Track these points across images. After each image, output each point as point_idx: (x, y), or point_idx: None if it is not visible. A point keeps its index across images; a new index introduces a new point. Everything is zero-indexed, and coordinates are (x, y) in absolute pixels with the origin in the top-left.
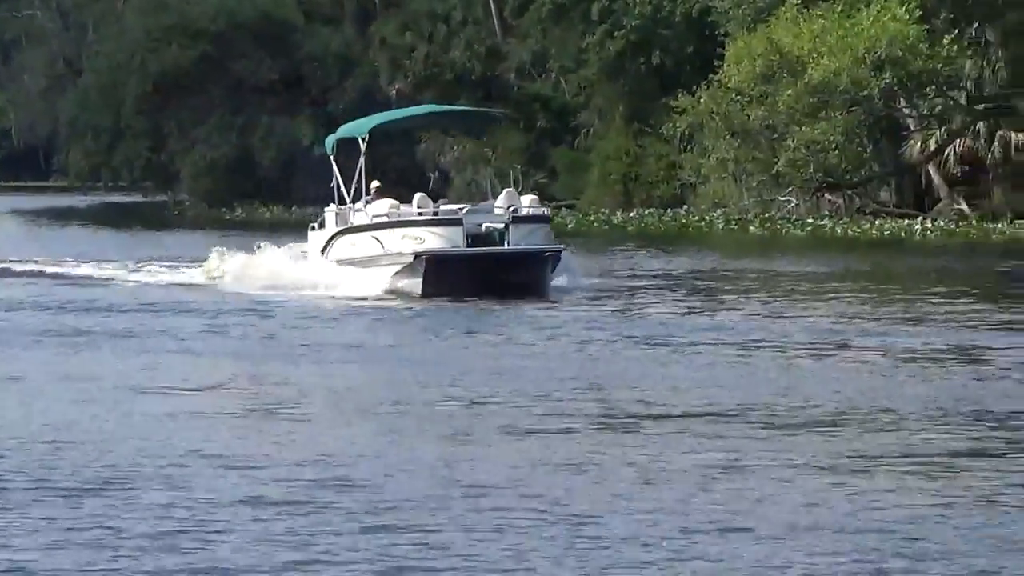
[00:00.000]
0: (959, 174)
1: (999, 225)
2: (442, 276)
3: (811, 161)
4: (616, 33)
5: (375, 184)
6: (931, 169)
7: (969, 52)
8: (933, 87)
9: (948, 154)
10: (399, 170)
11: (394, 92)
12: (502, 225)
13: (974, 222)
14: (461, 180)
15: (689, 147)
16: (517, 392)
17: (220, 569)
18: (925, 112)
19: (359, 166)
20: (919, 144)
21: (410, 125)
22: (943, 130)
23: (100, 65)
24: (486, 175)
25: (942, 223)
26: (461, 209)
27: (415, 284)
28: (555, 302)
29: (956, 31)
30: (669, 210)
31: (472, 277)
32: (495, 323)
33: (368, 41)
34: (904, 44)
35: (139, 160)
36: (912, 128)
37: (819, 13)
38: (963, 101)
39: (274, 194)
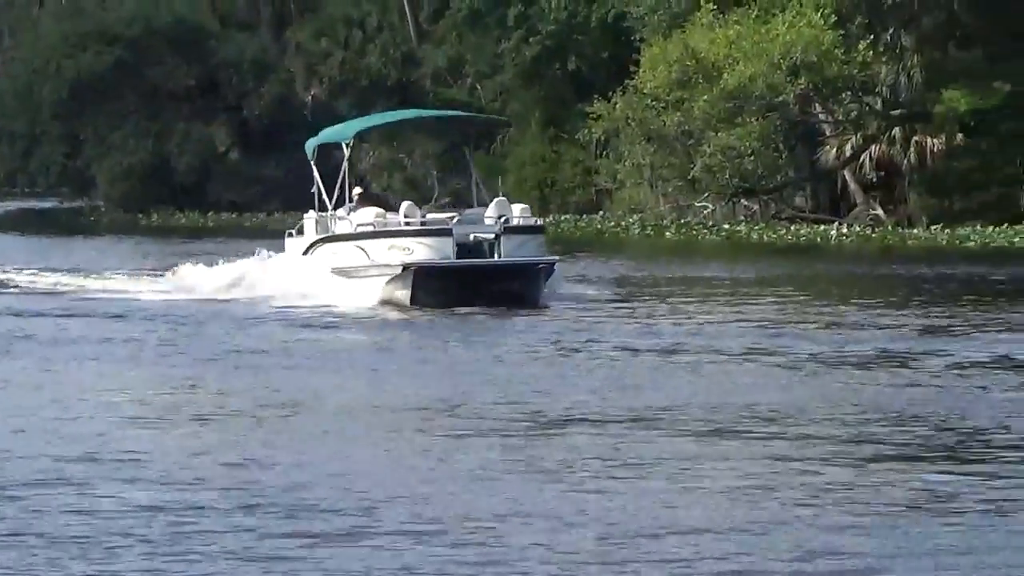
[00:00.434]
0: (874, 179)
1: (914, 230)
2: (431, 288)
3: (727, 167)
4: (532, 39)
5: (357, 191)
6: (847, 175)
7: (884, 57)
8: (848, 92)
9: (863, 160)
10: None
11: (310, 98)
12: (492, 236)
13: (889, 227)
14: (378, 186)
15: (605, 153)
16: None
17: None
18: (840, 118)
19: (342, 172)
20: (834, 150)
21: (395, 129)
22: (858, 136)
23: (16, 71)
24: (472, 182)
25: (857, 228)
26: (451, 219)
27: (404, 296)
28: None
29: (871, 36)
30: (585, 216)
31: (462, 289)
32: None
33: (284, 47)
34: (819, 50)
35: (55, 166)
36: (827, 134)
37: (734, 19)
38: (878, 106)
39: (190, 200)
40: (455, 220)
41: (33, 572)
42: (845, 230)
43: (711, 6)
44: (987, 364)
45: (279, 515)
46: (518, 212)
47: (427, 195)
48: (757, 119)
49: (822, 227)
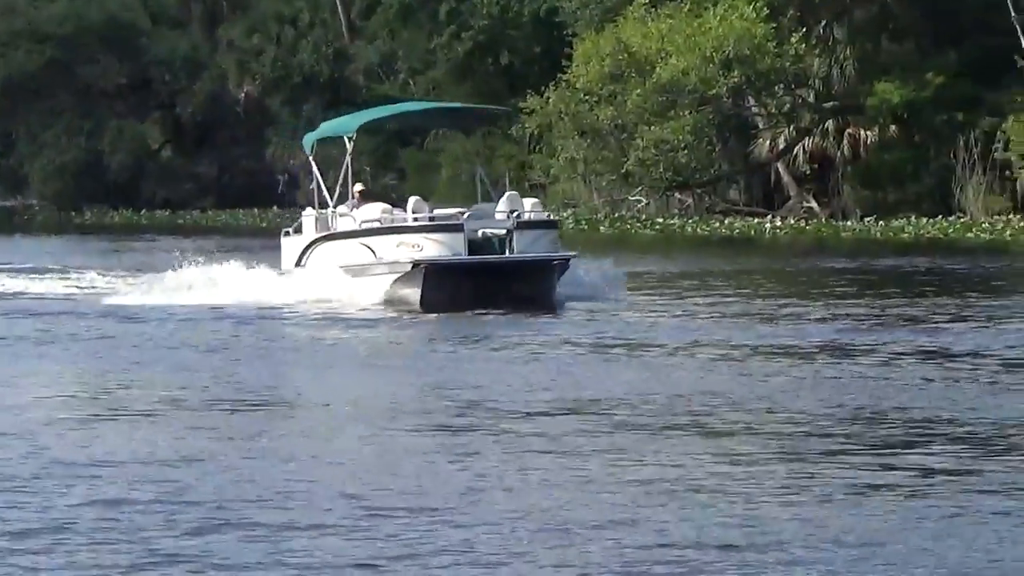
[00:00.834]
0: (808, 172)
1: (848, 223)
2: (443, 286)
3: (660, 160)
4: (464, 34)
5: (358, 187)
6: (780, 167)
7: (817, 50)
8: (781, 85)
9: (797, 152)
10: (248, 173)
11: (243, 95)
12: (503, 231)
13: (823, 220)
14: (311, 182)
15: (538, 147)
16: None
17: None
18: (774, 111)
19: (344, 167)
20: (768, 143)
21: (400, 123)
22: (792, 128)
23: None
24: (479, 176)
25: (791, 221)
26: (462, 214)
27: (413, 294)
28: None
29: (804, 29)
30: None
31: (475, 287)
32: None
33: (216, 44)
34: (752, 43)
35: None
36: (761, 127)
37: (667, 12)
38: (811, 99)
39: (123, 197)
40: (465, 216)
41: None
42: (779, 223)
43: (643, 0)
44: (920, 355)
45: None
46: (529, 206)
47: None
48: (690, 113)
49: (756, 220)
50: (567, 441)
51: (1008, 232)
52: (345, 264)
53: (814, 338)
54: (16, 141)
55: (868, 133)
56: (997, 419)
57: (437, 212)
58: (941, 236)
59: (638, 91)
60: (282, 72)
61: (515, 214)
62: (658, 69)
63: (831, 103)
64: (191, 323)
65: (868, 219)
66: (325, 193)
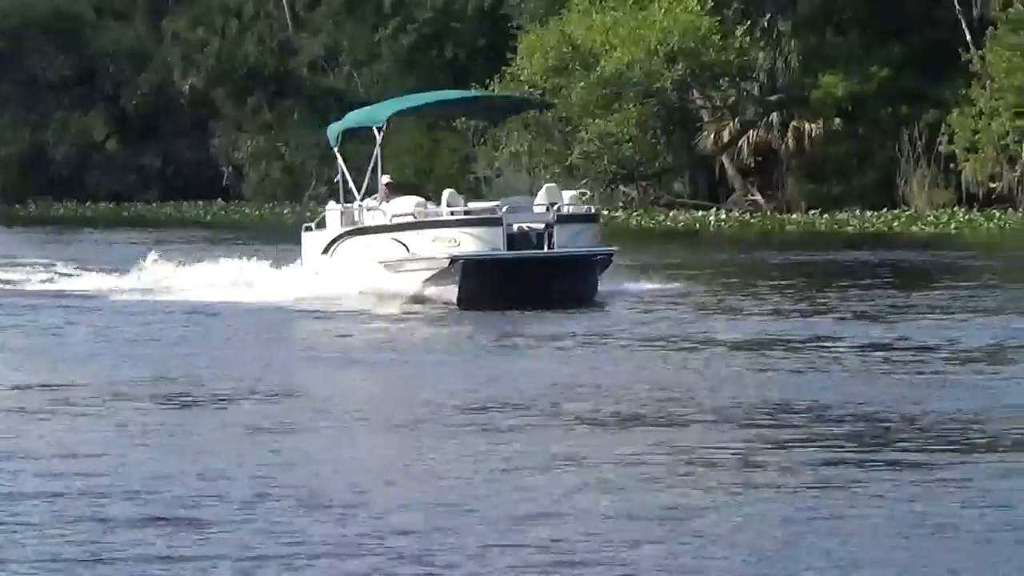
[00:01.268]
0: (752, 165)
1: (793, 215)
2: (481, 283)
3: (605, 153)
4: (409, 26)
5: (386, 179)
6: (725, 160)
7: (761, 43)
8: (726, 78)
9: (742, 145)
10: (193, 165)
11: (187, 87)
12: (542, 225)
13: (768, 213)
14: (256, 175)
15: (483, 141)
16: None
17: None
18: (718, 103)
19: (373, 159)
20: (712, 136)
21: (431, 111)
22: (736, 121)
23: None
24: (521, 170)
25: (736, 214)
26: (500, 207)
27: (449, 291)
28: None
29: (748, 22)
30: None
31: (514, 283)
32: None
33: (161, 36)
34: (696, 36)
35: None
36: (705, 120)
37: (611, 5)
38: (756, 92)
39: (68, 190)
40: (505, 209)
41: None
42: (723, 216)
43: None
44: (861, 348)
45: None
46: (568, 199)
47: (305, 184)
48: (634, 106)
49: (700, 213)
50: (504, 433)
51: (952, 225)
52: (376, 260)
53: (753, 330)
54: None
55: (813, 126)
56: (940, 412)
57: (472, 206)
58: (886, 229)
59: (583, 84)
60: (227, 64)
61: (555, 207)
62: (602, 62)
63: (776, 96)
64: (221, 319)
65: (813, 212)
66: (352, 186)
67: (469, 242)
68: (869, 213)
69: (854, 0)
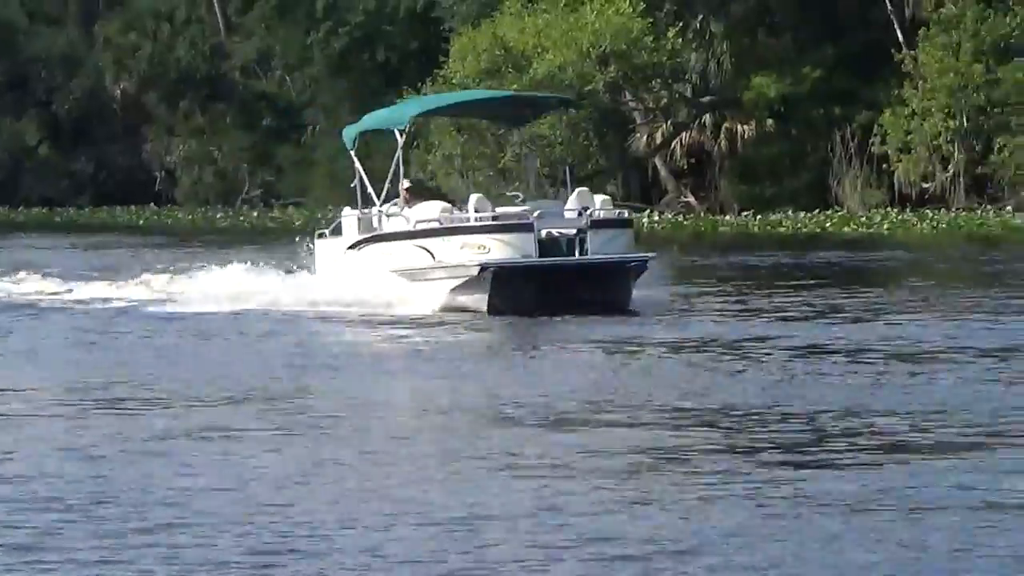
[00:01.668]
0: (685, 167)
1: (726, 217)
2: (512, 291)
3: (538, 156)
4: (340, 30)
5: (406, 184)
6: (658, 162)
7: (694, 45)
8: (658, 80)
9: (674, 147)
10: (126, 169)
11: (119, 92)
12: (574, 231)
13: (701, 214)
14: (188, 179)
15: (416, 144)
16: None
17: None
18: (651, 105)
19: (394, 162)
20: (645, 138)
21: (456, 112)
22: (669, 123)
23: None
24: (532, 173)
25: (669, 216)
26: (532, 212)
27: (479, 300)
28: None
29: (681, 24)
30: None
31: (546, 292)
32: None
33: (92, 41)
34: (629, 38)
35: None
36: (638, 121)
37: (543, 8)
38: (689, 94)
39: (1, 195)
40: (536, 214)
41: None
42: (657, 217)
43: None
44: (791, 349)
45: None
46: (599, 203)
47: (238, 188)
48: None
49: (634, 215)
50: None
51: (885, 226)
52: (398, 268)
53: (684, 332)
54: None
55: (745, 127)
56: (871, 413)
57: (500, 211)
58: (818, 230)
59: (515, 86)
60: (159, 69)
61: (588, 212)
62: (535, 64)
63: (708, 98)
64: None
65: (746, 213)
66: (371, 191)
67: (499, 249)
68: (802, 214)
69: (786, 2)
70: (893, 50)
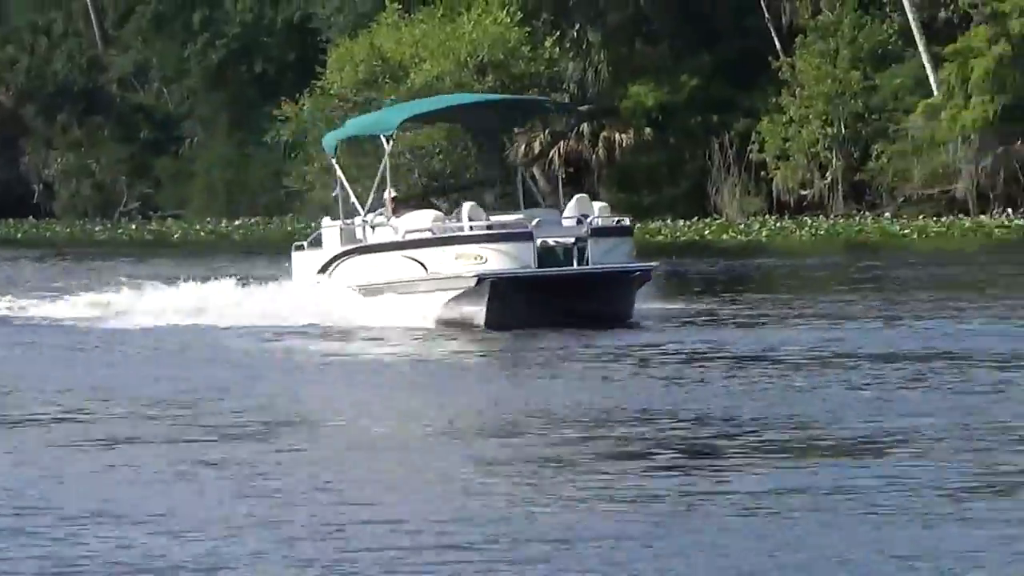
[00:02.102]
0: (564, 176)
1: None
2: (511, 303)
3: (415, 166)
4: (217, 42)
5: (391, 193)
6: (536, 171)
7: (571, 54)
8: (536, 89)
9: (553, 156)
10: (2, 182)
11: None
12: (572, 239)
13: None
14: (66, 192)
15: (294, 155)
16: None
17: None
18: None
19: (381, 170)
20: (523, 147)
21: (445, 117)
22: (547, 132)
23: None
24: (519, 180)
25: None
26: (530, 220)
27: (476, 313)
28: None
29: (558, 33)
30: (275, 218)
31: (546, 303)
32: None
33: None
34: (506, 47)
35: None
36: (516, 131)
37: (420, 18)
38: (566, 102)
39: None
40: (535, 223)
41: None
42: None
43: (396, 5)
44: (666, 355)
45: None
46: (597, 210)
47: (116, 200)
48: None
49: None
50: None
51: (764, 233)
52: (386, 280)
53: (545, 342)
54: None
55: (623, 136)
56: (742, 418)
57: (495, 219)
58: (697, 238)
59: (392, 96)
60: (36, 82)
61: (588, 220)
62: (412, 74)
63: (586, 106)
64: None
65: None
66: (355, 200)
67: (497, 259)
68: (681, 222)
69: (663, 10)
70: (770, 58)
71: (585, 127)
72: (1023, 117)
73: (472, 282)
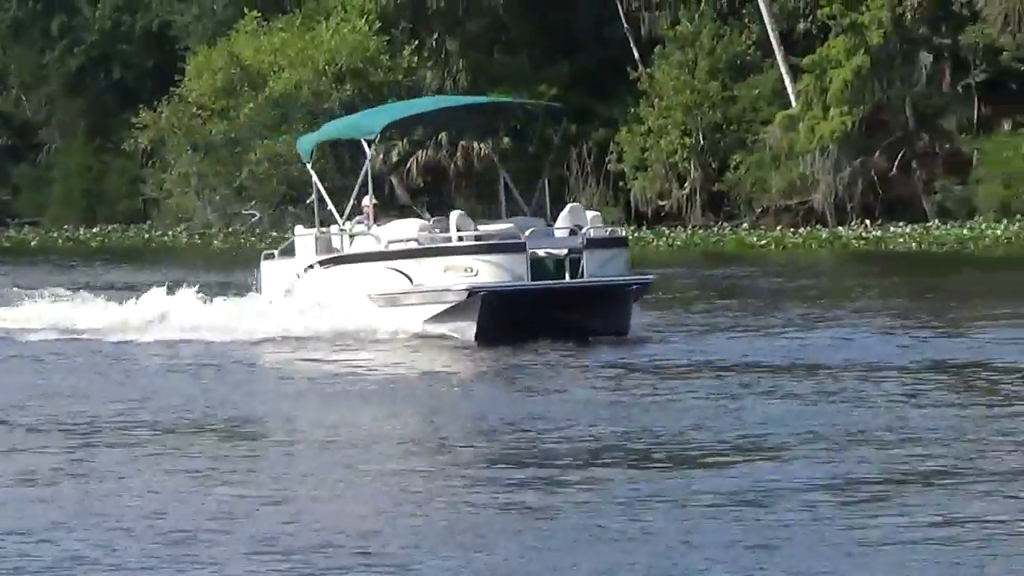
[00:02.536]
0: (422, 184)
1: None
2: (504, 317)
3: (274, 174)
4: (76, 49)
5: (370, 200)
6: (394, 180)
7: (430, 63)
8: (394, 98)
9: (411, 165)
10: None
11: None
12: (564, 251)
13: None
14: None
15: (152, 162)
16: None
17: None
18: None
19: (362, 176)
20: (382, 155)
21: (431, 120)
22: (405, 141)
23: None
24: (501, 186)
25: None
26: (522, 231)
27: (466, 328)
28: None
29: (416, 42)
30: (133, 225)
31: (540, 317)
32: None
33: None
34: (365, 56)
35: None
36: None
37: (279, 26)
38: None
39: None
40: (528, 233)
41: None
42: None
43: (255, 13)
44: (539, 366)
45: None
46: (590, 220)
47: None
48: (303, 126)
49: None
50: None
51: None
52: (367, 292)
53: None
54: None
55: (481, 145)
56: (610, 428)
57: (483, 229)
58: None
59: (251, 105)
60: None
61: (584, 231)
62: (271, 83)
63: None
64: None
65: None
66: (332, 207)
67: (488, 271)
68: None
69: (521, 20)
70: (629, 68)
71: (443, 136)
72: (881, 129)
73: (462, 295)
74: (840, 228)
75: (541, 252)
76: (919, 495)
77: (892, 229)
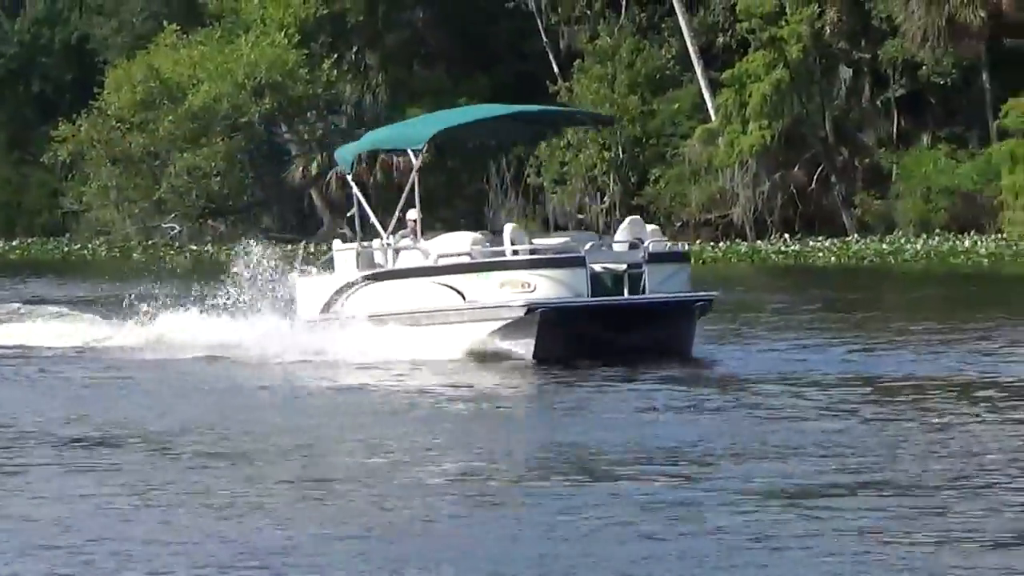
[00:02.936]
0: (342, 198)
1: None
2: (564, 335)
3: (193, 187)
4: None
5: (415, 214)
6: (314, 194)
7: (349, 76)
8: (314, 112)
9: (330, 179)
10: None
11: None
12: (624, 266)
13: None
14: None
15: (71, 175)
16: None
17: None
18: (306, 137)
19: (408, 187)
20: (301, 169)
21: (480, 129)
22: (324, 155)
23: None
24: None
25: (325, 247)
26: (580, 245)
27: (524, 346)
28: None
29: (336, 56)
30: (52, 239)
31: (600, 335)
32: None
33: None
34: (284, 70)
35: None
36: (294, 153)
37: (199, 39)
38: (344, 125)
39: None
40: (588, 247)
41: None
42: (313, 249)
43: (174, 27)
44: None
45: None
46: (650, 233)
47: None
48: (223, 139)
49: (290, 247)
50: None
51: None
52: (415, 310)
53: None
54: None
55: (400, 159)
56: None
57: (538, 243)
58: None
59: (170, 118)
60: None
61: (645, 245)
62: (190, 96)
63: (363, 129)
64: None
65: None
66: (375, 220)
67: (547, 287)
68: None
69: (440, 34)
70: (548, 82)
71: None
72: (800, 143)
73: (520, 312)
74: (760, 242)
75: (598, 267)
76: (832, 506)
77: (812, 243)
